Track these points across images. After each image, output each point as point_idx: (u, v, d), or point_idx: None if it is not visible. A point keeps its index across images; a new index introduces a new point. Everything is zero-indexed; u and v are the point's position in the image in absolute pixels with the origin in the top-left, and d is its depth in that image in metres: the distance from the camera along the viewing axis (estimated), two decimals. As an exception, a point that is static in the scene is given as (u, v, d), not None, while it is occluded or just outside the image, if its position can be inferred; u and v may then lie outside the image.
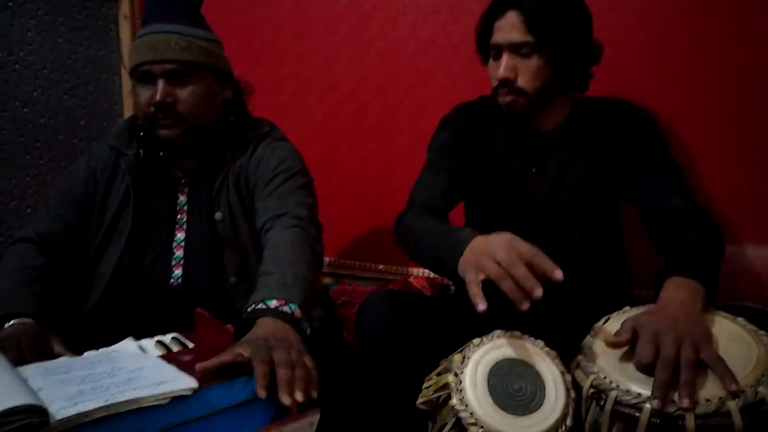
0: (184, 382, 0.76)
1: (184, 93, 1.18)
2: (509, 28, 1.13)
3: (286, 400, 0.77)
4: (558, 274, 0.89)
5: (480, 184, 1.30)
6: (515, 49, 1.14)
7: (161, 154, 1.27)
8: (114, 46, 2.05)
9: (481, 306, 0.90)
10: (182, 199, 1.26)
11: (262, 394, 0.76)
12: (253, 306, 0.96)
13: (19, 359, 0.93)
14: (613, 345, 0.92)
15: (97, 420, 0.69)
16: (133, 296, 1.22)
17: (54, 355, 1.00)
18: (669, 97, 1.42)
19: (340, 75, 1.80)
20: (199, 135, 1.22)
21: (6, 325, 1.03)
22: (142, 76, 1.18)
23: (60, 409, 0.68)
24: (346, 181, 1.82)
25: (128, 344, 0.95)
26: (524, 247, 0.92)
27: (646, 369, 0.86)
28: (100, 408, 0.69)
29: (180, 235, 1.25)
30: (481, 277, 0.92)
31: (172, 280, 1.23)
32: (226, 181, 1.25)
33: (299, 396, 0.78)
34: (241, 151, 1.27)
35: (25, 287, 1.13)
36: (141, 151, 1.26)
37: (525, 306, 0.88)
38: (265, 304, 0.94)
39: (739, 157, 1.38)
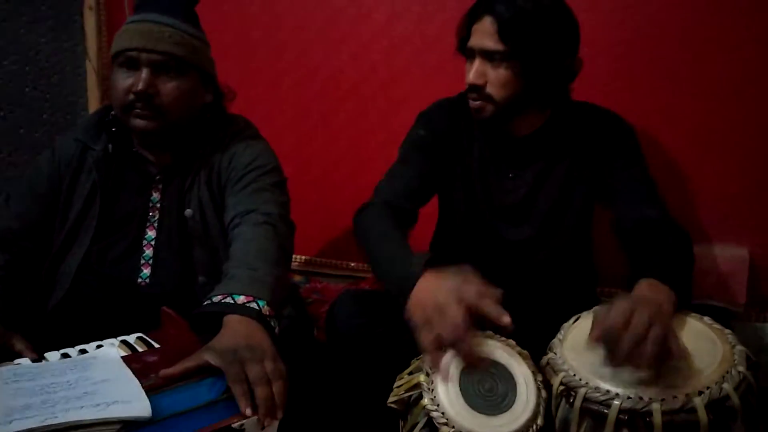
0: (136, 408, 0.73)
1: (167, 87, 1.15)
2: (483, 33, 1.12)
3: (268, 421, 0.76)
4: (505, 320, 0.89)
5: (455, 183, 1.29)
6: (486, 55, 1.12)
7: (134, 150, 1.24)
8: (78, 38, 2.00)
9: (441, 376, 0.91)
10: (156, 196, 1.23)
11: (248, 413, 0.76)
12: (220, 298, 0.94)
13: None
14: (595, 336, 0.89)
15: None
16: (99, 295, 1.18)
17: (15, 355, 0.96)
18: (637, 99, 1.44)
19: (312, 71, 1.79)
20: (172, 132, 1.20)
21: None
22: (126, 61, 1.14)
23: None
24: (318, 178, 1.81)
25: (110, 350, 0.92)
26: (473, 294, 0.91)
27: (611, 341, 0.84)
28: (34, 429, 0.67)
29: (151, 234, 1.22)
30: (434, 334, 0.91)
31: (139, 280, 1.20)
32: (197, 177, 1.22)
33: (280, 414, 0.78)
34: (214, 147, 1.24)
35: None
36: (110, 146, 1.23)
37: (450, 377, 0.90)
38: (232, 299, 0.93)
39: (706, 158, 1.41)
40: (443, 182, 1.30)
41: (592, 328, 0.89)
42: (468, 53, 1.17)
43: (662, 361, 0.84)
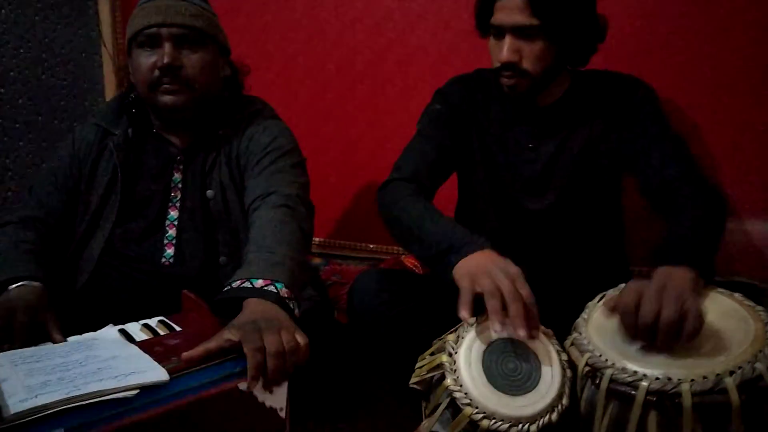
0: (154, 374, 0.74)
1: (191, 59, 1.16)
2: (512, 9, 1.08)
3: (257, 387, 0.77)
4: (535, 334, 0.91)
5: (474, 157, 1.27)
6: (519, 31, 1.10)
7: (154, 131, 1.24)
8: (93, 24, 1.99)
9: (464, 313, 0.91)
10: (177, 176, 1.23)
11: (253, 386, 0.76)
12: (239, 283, 0.94)
13: (7, 329, 0.91)
14: (613, 308, 0.90)
15: (60, 411, 0.67)
16: (122, 277, 1.19)
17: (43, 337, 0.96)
18: (667, 70, 1.40)
19: (327, 52, 1.76)
20: (200, 106, 1.20)
21: (11, 287, 1.01)
22: (147, 39, 1.15)
23: (18, 402, 0.67)
24: (336, 160, 1.79)
25: (109, 331, 0.93)
26: (525, 291, 0.91)
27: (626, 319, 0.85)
28: (61, 400, 0.67)
29: (173, 214, 1.22)
30: (477, 290, 0.92)
31: (163, 260, 1.20)
32: (218, 158, 1.22)
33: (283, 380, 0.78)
34: (233, 128, 1.24)
35: (26, 255, 1.10)
36: (130, 130, 1.23)
37: (496, 328, 0.90)
38: (251, 283, 0.93)
39: (733, 132, 1.37)
40: (462, 157, 1.28)
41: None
42: (495, 31, 1.14)
43: (682, 340, 0.83)
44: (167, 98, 1.16)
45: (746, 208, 1.38)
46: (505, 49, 1.11)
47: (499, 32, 1.12)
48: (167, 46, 1.13)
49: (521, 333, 0.89)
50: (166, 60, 1.13)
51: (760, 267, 1.36)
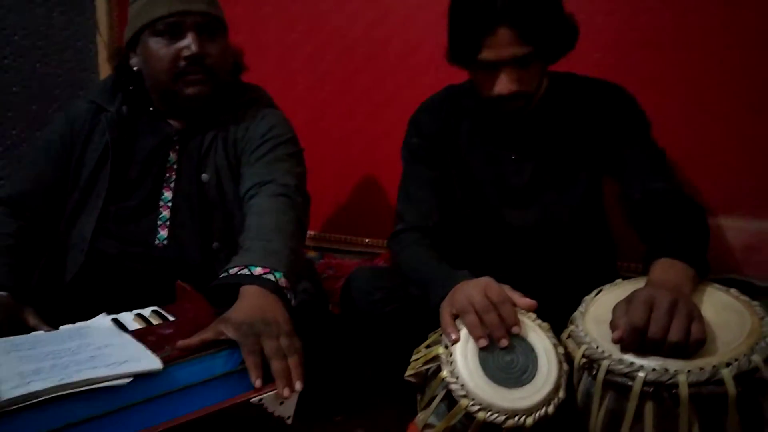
0: (147, 363, 0.74)
1: (213, 47, 1.15)
2: (506, 43, 1.06)
3: (286, 392, 0.77)
4: (515, 329, 0.93)
5: (451, 181, 1.27)
6: (516, 62, 1.08)
7: (150, 109, 1.22)
8: (89, 13, 1.98)
9: (453, 336, 0.93)
10: (173, 156, 1.21)
11: (258, 384, 0.76)
12: (236, 270, 0.93)
13: None
14: (617, 327, 0.88)
15: (52, 398, 0.67)
16: (115, 263, 1.17)
17: (29, 329, 0.96)
18: (646, 71, 1.40)
19: (326, 42, 1.75)
20: (219, 94, 1.19)
21: None
22: (167, 27, 1.13)
23: (11, 388, 0.67)
24: (332, 153, 1.79)
25: (102, 320, 0.93)
26: (495, 292, 0.96)
27: (634, 341, 0.84)
28: (53, 387, 0.67)
29: (167, 195, 1.20)
30: (453, 311, 0.97)
31: (156, 242, 1.18)
32: (214, 142, 1.21)
33: (299, 386, 0.78)
34: (230, 113, 1.23)
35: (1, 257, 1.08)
36: (124, 107, 1.21)
37: (483, 343, 0.92)
38: (249, 270, 0.92)
39: (730, 130, 1.37)
40: (448, 182, 1.27)
41: (612, 325, 0.88)
42: (486, 65, 1.10)
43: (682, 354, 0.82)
44: (192, 89, 1.15)
45: (740, 207, 1.39)
46: (507, 82, 1.09)
47: (493, 66, 1.10)
48: (191, 36, 1.12)
49: (504, 343, 0.91)
50: (195, 49, 1.11)
51: (755, 265, 1.36)
